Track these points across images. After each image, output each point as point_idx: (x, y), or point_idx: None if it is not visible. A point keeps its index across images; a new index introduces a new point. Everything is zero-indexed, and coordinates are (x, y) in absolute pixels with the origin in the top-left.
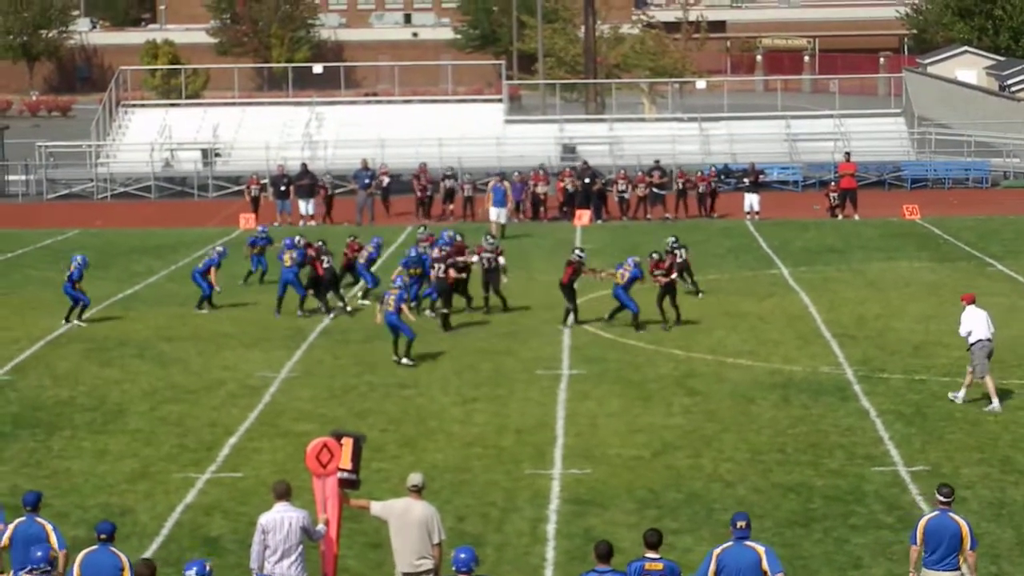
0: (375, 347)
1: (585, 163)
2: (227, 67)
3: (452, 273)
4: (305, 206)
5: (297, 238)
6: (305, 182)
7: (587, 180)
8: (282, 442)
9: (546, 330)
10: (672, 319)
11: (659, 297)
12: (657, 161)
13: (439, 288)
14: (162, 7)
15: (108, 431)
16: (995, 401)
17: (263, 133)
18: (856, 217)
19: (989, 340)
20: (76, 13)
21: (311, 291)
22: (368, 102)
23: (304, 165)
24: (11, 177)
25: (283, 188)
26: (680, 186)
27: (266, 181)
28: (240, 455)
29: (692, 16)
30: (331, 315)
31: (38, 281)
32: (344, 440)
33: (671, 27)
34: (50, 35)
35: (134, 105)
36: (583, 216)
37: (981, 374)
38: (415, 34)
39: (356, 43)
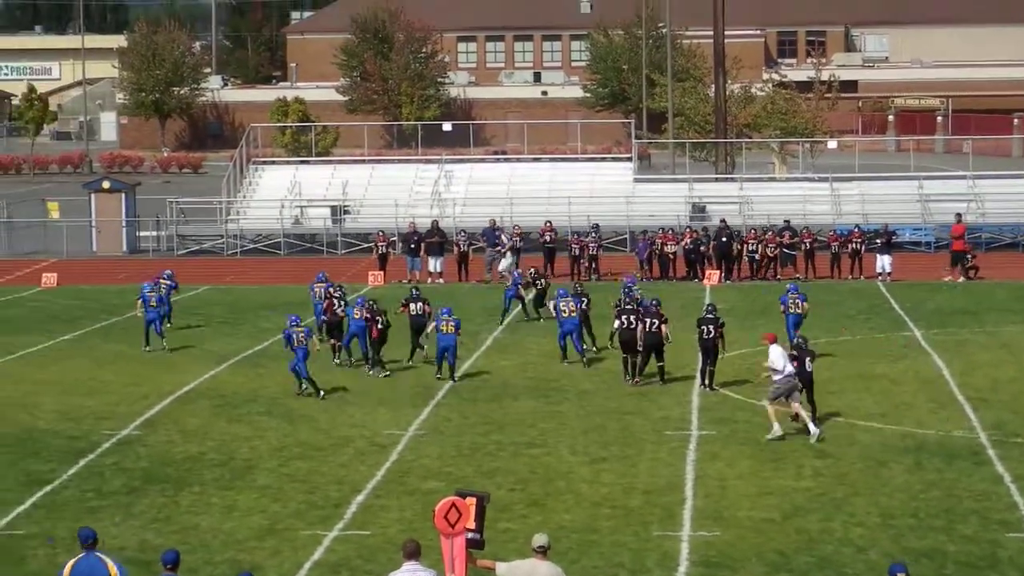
0: (503, 406)
1: (723, 222)
2: (357, 125)
3: (664, 329)
4: (434, 263)
5: (370, 302)
6: (435, 240)
7: (723, 239)
8: (409, 500)
9: (675, 390)
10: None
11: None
12: (787, 221)
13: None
14: (293, 65)
15: (236, 487)
16: None
17: (392, 190)
18: (961, 280)
19: None
20: (208, 71)
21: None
22: (497, 160)
23: (435, 222)
24: (143, 233)
25: (412, 245)
26: (807, 246)
27: (395, 238)
28: (367, 513)
29: (824, 76)
30: (376, 373)
31: (167, 337)
32: (468, 499)
33: (802, 86)
34: (182, 92)
35: (264, 162)
36: (713, 276)
37: None
38: (544, 92)
39: (485, 101)
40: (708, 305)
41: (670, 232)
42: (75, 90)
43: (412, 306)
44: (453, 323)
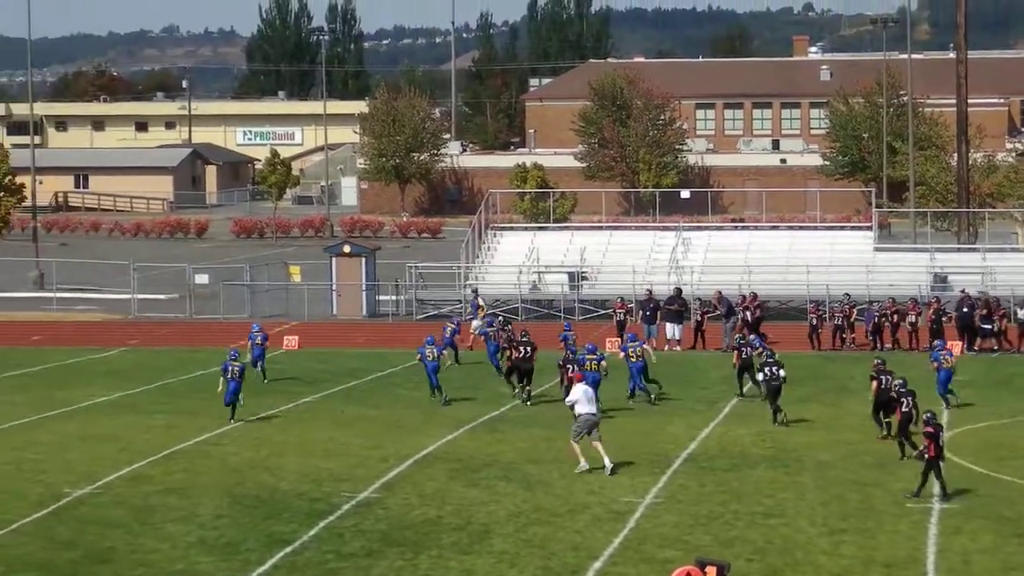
0: (741, 475)
1: (964, 292)
2: (595, 191)
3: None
4: (672, 330)
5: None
6: (674, 307)
7: (965, 310)
8: (647, 568)
9: (914, 462)
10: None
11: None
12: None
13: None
14: (531, 131)
15: (474, 552)
16: None
17: (629, 257)
18: None
19: None
20: (447, 137)
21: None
22: (735, 227)
23: (678, 290)
24: (382, 297)
25: (648, 312)
26: None
27: (632, 305)
28: None
29: None
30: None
31: (406, 400)
32: (708, 569)
33: None
34: (422, 158)
35: (503, 228)
36: (955, 346)
37: None
38: (783, 160)
39: (723, 168)
40: (901, 379)
41: (911, 302)
42: (317, 155)
43: (522, 349)
44: (596, 359)
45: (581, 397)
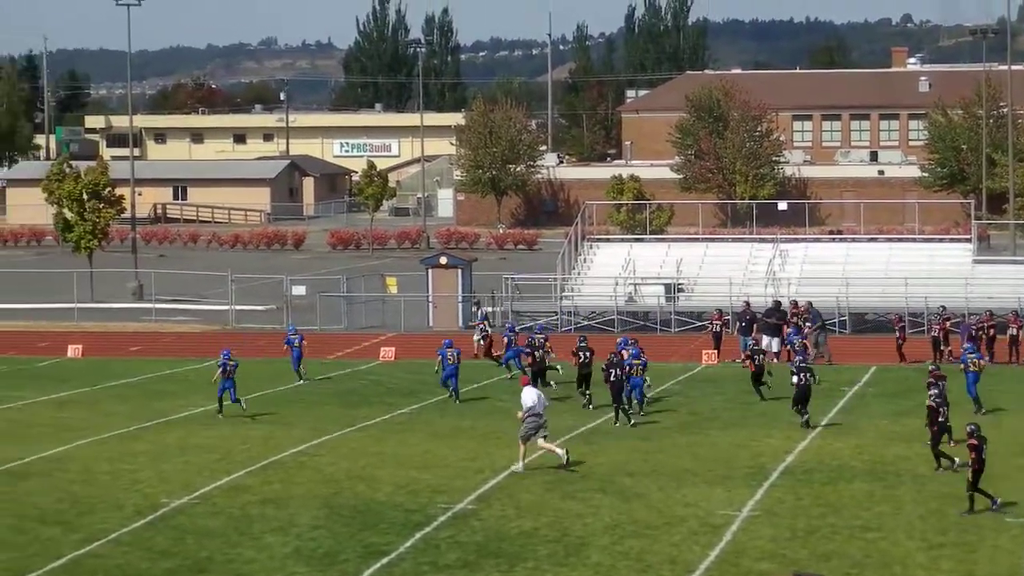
0: (838, 488)
1: None
2: (691, 203)
3: None
4: (769, 343)
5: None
6: (772, 320)
7: None
8: None
9: (1017, 476)
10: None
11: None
12: None
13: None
14: (628, 143)
15: (570, 564)
16: None
17: (726, 269)
18: None
19: None
20: (543, 148)
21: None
22: (833, 239)
23: (777, 302)
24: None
25: (744, 324)
26: None
27: (728, 317)
28: None
29: None
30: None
31: (502, 412)
32: None
33: None
34: (518, 169)
35: (599, 239)
36: None
37: None
38: (881, 172)
39: (820, 180)
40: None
41: (1011, 315)
42: (413, 167)
43: (580, 355)
44: (641, 365)
45: (534, 400)
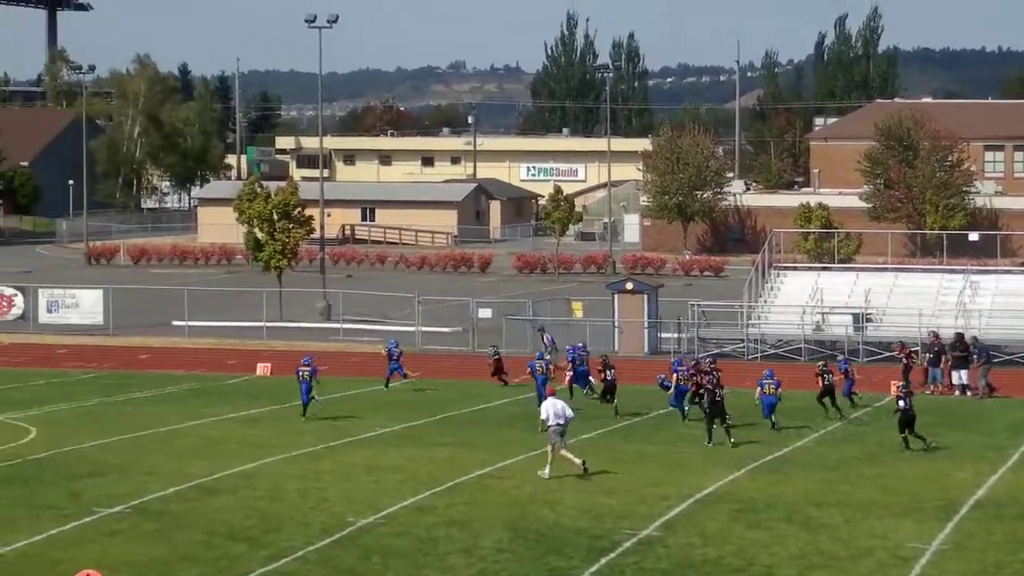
0: None
1: None
2: (880, 232)
3: None
4: (958, 376)
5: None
6: (958, 352)
7: None
8: None
9: None
10: None
11: None
12: None
13: None
14: (816, 171)
15: None
16: None
17: (915, 299)
18: None
19: None
20: (731, 175)
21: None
22: None
23: (960, 335)
24: (664, 335)
25: (932, 356)
26: None
27: (916, 348)
28: None
29: None
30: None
31: (687, 439)
32: None
33: None
34: (705, 196)
35: (786, 267)
36: None
37: None
38: None
39: (1013, 211)
40: None
41: None
42: (600, 192)
43: (607, 372)
44: (774, 384)
45: (551, 411)
